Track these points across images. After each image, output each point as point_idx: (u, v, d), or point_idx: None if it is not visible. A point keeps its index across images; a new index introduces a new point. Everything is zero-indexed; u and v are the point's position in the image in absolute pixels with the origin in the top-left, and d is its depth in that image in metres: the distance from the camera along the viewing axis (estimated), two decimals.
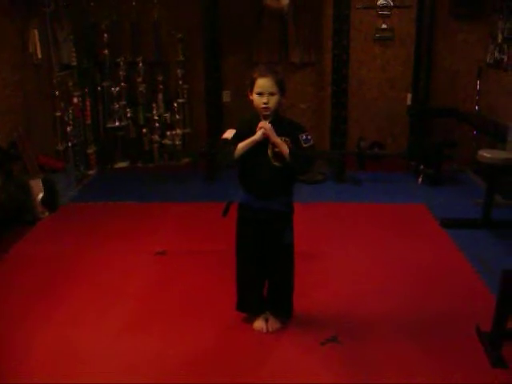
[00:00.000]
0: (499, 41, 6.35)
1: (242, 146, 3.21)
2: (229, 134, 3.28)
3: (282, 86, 3.22)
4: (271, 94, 3.19)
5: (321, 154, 6.73)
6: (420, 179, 6.50)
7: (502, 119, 6.00)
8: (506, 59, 6.18)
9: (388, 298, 3.91)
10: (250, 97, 3.27)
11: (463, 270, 4.32)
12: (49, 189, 5.48)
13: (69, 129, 6.71)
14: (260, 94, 3.19)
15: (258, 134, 3.20)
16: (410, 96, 7.30)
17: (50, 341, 3.44)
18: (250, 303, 3.58)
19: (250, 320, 3.57)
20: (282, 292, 3.54)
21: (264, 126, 3.19)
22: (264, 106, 3.19)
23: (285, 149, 3.19)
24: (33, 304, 3.87)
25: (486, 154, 5.05)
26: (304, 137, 3.25)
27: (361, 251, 4.67)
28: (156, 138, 7.33)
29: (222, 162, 3.41)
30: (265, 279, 3.54)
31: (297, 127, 3.33)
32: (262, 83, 3.18)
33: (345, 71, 6.43)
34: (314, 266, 4.36)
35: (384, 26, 7.17)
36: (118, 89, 7.15)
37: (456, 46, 7.10)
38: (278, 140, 3.19)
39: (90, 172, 7.03)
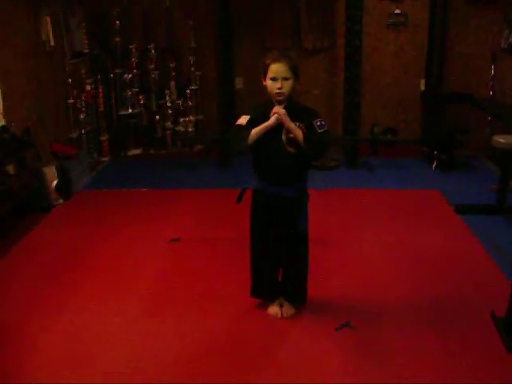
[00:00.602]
0: None
1: (256, 131, 3.19)
2: (243, 119, 3.27)
3: (295, 71, 3.20)
4: (285, 79, 3.17)
5: (334, 139, 6.71)
6: (434, 165, 6.47)
7: None
8: None
9: (402, 284, 3.90)
10: (264, 82, 3.25)
11: (478, 256, 4.30)
12: (62, 176, 5.50)
13: (82, 116, 6.74)
14: (274, 79, 3.17)
15: (272, 120, 3.18)
16: (423, 82, 7.26)
17: (63, 327, 3.46)
18: (264, 289, 3.59)
19: (265, 306, 3.58)
20: (296, 278, 3.54)
21: (278, 112, 3.17)
22: (278, 91, 3.18)
23: (299, 134, 3.17)
24: (47, 290, 3.90)
25: (500, 139, 5.01)
26: (318, 122, 3.23)
27: (374, 237, 4.66)
28: (169, 124, 7.33)
29: (236, 147, 3.37)
30: (279, 266, 3.54)
31: (311, 113, 3.31)
32: (276, 68, 3.16)
33: (358, 57, 6.39)
34: (328, 252, 4.36)
35: (397, 11, 7.11)
36: (130, 76, 7.14)
37: (470, 31, 7.03)
38: (292, 125, 3.17)
39: (103, 159, 7.05)
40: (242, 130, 3.23)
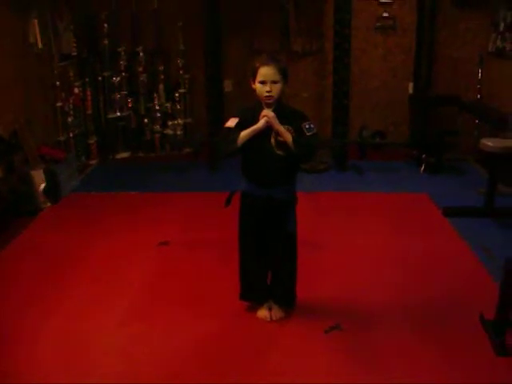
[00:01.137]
0: (501, 29, 6.32)
1: (244, 134, 3.19)
2: (231, 122, 3.26)
3: (284, 74, 3.21)
4: (274, 82, 3.17)
5: (323, 142, 6.71)
6: (422, 168, 6.49)
7: (504, 108, 5.98)
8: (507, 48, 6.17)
9: (391, 287, 3.91)
10: (253, 86, 3.25)
11: (466, 259, 4.32)
12: (50, 179, 5.47)
13: (70, 119, 6.71)
14: (263, 82, 3.17)
15: (261, 122, 3.18)
16: (411, 85, 7.29)
17: (54, 332, 3.44)
18: (253, 292, 3.58)
19: (254, 309, 3.58)
20: (285, 281, 3.54)
21: (267, 114, 3.17)
22: (267, 94, 3.18)
23: (288, 137, 3.17)
24: (35, 295, 3.87)
25: (488, 142, 5.03)
26: (307, 125, 3.23)
27: (363, 240, 4.66)
28: (157, 127, 7.32)
29: (225, 150, 3.36)
30: (268, 268, 3.54)
31: (300, 116, 3.31)
32: (265, 71, 3.16)
33: (346, 60, 6.40)
34: (317, 255, 4.35)
35: (385, 14, 7.14)
36: (118, 79, 7.13)
37: (458, 35, 7.07)
38: (281, 128, 3.18)
39: (92, 162, 7.02)
40: (231, 132, 3.23)
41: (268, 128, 3.19)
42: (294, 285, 3.56)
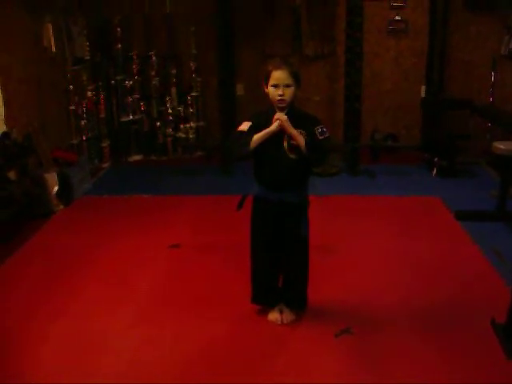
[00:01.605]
0: None
1: (257, 137, 3.21)
2: (244, 126, 3.28)
3: (297, 78, 3.22)
4: (287, 85, 3.19)
5: (335, 146, 6.72)
6: (434, 171, 6.47)
7: None
8: None
9: (402, 291, 3.90)
10: (265, 90, 3.27)
11: (478, 263, 4.30)
12: (63, 182, 5.51)
13: (83, 122, 6.75)
14: (275, 86, 3.19)
15: (274, 126, 3.19)
16: (423, 88, 7.28)
17: (63, 333, 3.47)
18: (264, 295, 3.59)
19: (265, 312, 3.58)
20: (296, 284, 3.54)
21: (280, 118, 3.19)
22: (279, 98, 3.19)
23: (301, 140, 3.19)
24: (47, 295, 3.90)
25: (500, 145, 5.03)
26: (320, 129, 3.24)
27: (375, 244, 4.66)
28: (169, 131, 7.35)
29: (237, 153, 3.38)
30: (279, 272, 3.55)
31: (312, 120, 3.32)
32: (278, 75, 3.18)
33: (358, 63, 6.41)
34: (329, 259, 4.36)
35: (397, 17, 7.14)
36: (131, 82, 7.17)
37: (470, 38, 7.05)
38: (294, 131, 3.19)
39: (104, 165, 7.07)
40: (244, 135, 3.25)
41: (281, 131, 3.21)
42: (306, 288, 3.56)
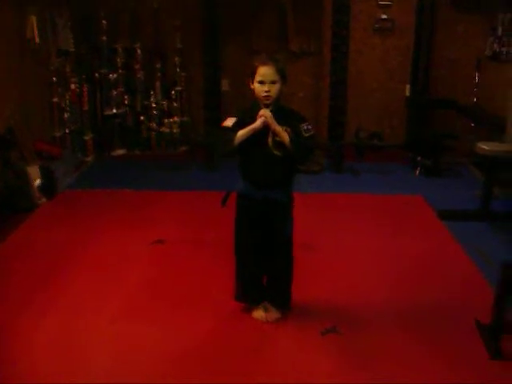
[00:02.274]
0: (499, 33, 6.33)
1: (241, 133, 3.19)
2: (229, 121, 3.27)
3: (283, 74, 3.21)
4: (272, 82, 3.17)
5: (320, 144, 6.72)
6: (418, 171, 6.50)
7: (500, 111, 5.99)
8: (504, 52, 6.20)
9: (386, 290, 3.91)
10: (251, 86, 3.25)
11: (461, 262, 4.33)
12: (46, 175, 5.46)
13: (66, 115, 6.69)
14: (261, 82, 3.18)
15: (259, 122, 3.18)
16: (408, 87, 7.30)
17: (50, 330, 3.43)
18: (248, 293, 3.58)
19: (249, 310, 3.57)
20: (280, 283, 3.53)
21: (264, 114, 3.17)
22: (265, 94, 3.18)
23: (286, 137, 3.17)
24: (32, 292, 3.85)
25: (484, 146, 5.06)
26: (305, 127, 3.23)
27: (358, 242, 4.67)
28: (153, 125, 7.31)
29: (222, 149, 3.38)
30: (263, 270, 3.53)
31: (297, 117, 3.31)
32: (264, 71, 3.17)
33: (344, 61, 6.42)
34: (312, 257, 4.36)
35: (384, 16, 7.14)
36: (115, 75, 7.12)
37: (456, 37, 7.08)
38: (278, 128, 3.17)
39: (88, 159, 7.01)
40: (228, 132, 3.23)
41: (265, 128, 3.19)
42: (290, 287, 3.55)
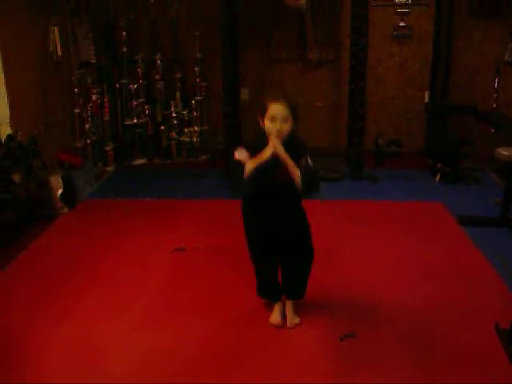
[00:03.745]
0: None
1: (251, 166, 3.18)
2: (239, 154, 3.23)
3: (295, 113, 3.18)
4: (284, 119, 3.14)
5: (339, 151, 6.71)
6: (437, 177, 6.48)
7: None
8: None
9: (406, 296, 3.91)
10: (262, 124, 3.21)
11: (482, 269, 4.30)
12: (68, 185, 5.53)
13: (87, 126, 6.76)
14: (273, 119, 3.14)
15: (268, 153, 3.14)
16: (427, 94, 7.28)
17: (68, 336, 3.47)
18: (266, 290, 3.64)
19: (268, 311, 3.60)
20: (300, 276, 3.55)
21: (274, 145, 3.13)
22: (276, 131, 3.13)
23: (296, 173, 3.17)
24: (51, 298, 3.91)
25: (503, 151, 5.02)
26: (309, 160, 3.24)
27: (378, 249, 4.67)
28: (173, 135, 7.36)
29: (237, 185, 3.39)
30: (282, 265, 3.56)
31: (303, 148, 3.30)
32: (275, 109, 3.12)
33: (362, 69, 6.43)
34: (332, 264, 4.36)
35: (402, 23, 7.15)
36: (136, 86, 7.18)
37: (474, 44, 7.06)
38: (290, 163, 3.15)
39: (108, 168, 7.07)
40: (239, 166, 3.21)
41: (275, 158, 3.16)
42: (308, 274, 3.57)
